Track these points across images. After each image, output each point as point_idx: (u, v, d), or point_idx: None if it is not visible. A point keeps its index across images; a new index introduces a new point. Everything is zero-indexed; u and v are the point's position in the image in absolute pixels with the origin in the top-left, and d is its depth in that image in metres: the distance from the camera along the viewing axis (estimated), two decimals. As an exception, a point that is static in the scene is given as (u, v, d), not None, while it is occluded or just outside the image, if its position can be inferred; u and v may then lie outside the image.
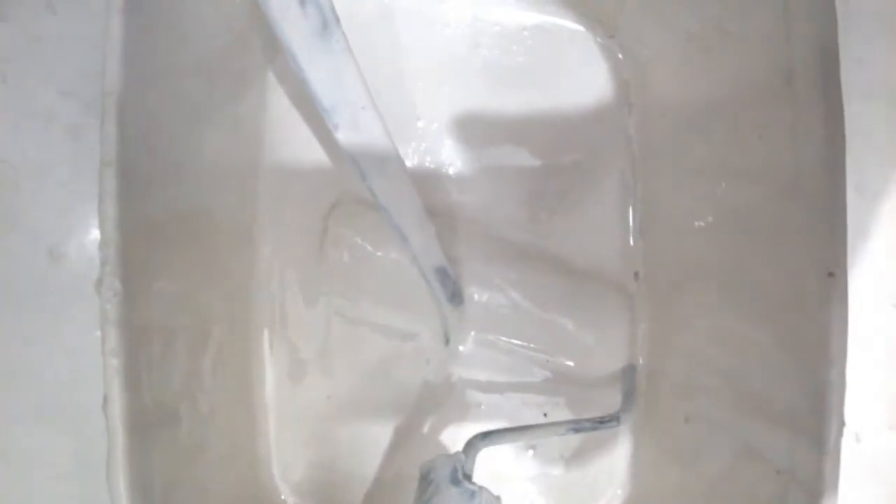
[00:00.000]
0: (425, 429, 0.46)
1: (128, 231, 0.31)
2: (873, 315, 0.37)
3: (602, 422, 0.40)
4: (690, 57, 0.40)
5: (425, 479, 0.34)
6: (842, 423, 0.29)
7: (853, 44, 0.33)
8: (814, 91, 0.31)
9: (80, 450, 0.44)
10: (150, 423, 0.31)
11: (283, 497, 0.45)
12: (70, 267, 0.44)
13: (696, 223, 0.40)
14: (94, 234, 0.45)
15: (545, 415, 0.45)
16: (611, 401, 0.44)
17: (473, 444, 0.36)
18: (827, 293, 0.29)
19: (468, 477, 0.34)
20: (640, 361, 0.45)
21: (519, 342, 0.45)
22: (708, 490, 0.38)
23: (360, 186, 0.44)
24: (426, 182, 0.46)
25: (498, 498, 0.34)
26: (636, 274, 0.45)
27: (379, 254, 0.45)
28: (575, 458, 0.46)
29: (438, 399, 0.46)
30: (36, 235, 0.44)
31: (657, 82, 0.44)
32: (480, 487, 0.33)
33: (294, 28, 0.31)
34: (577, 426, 0.40)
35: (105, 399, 0.29)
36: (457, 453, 0.35)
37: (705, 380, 0.39)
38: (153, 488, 0.31)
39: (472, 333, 0.45)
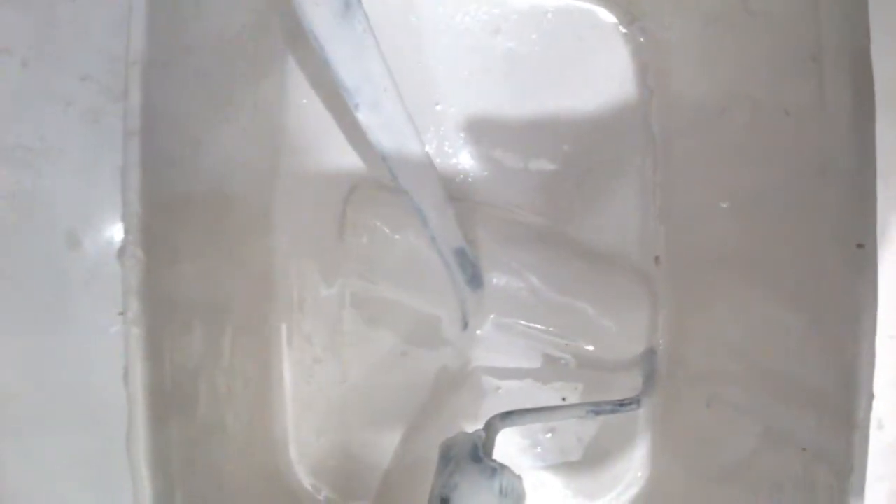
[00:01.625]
0: (443, 413, 0.45)
1: (149, 204, 0.31)
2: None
3: (622, 404, 0.40)
4: (714, 38, 0.40)
5: (445, 457, 0.34)
6: (871, 398, 0.29)
7: (884, 20, 0.32)
8: (842, 68, 0.31)
9: (96, 435, 0.44)
10: (169, 397, 0.31)
11: (299, 479, 0.45)
12: (87, 253, 0.44)
13: (720, 205, 0.40)
14: (111, 220, 0.45)
15: (564, 399, 0.45)
16: (630, 385, 0.44)
17: (493, 424, 0.36)
18: (856, 265, 0.29)
19: (489, 455, 0.34)
20: (661, 345, 0.44)
21: (538, 326, 0.45)
22: (730, 473, 0.37)
23: (379, 170, 0.44)
24: (445, 165, 0.46)
25: (519, 477, 0.33)
26: (657, 258, 0.45)
27: (398, 237, 0.44)
28: (594, 442, 0.45)
29: (456, 383, 0.46)
30: (54, 220, 0.44)
31: (680, 65, 0.43)
32: (501, 465, 0.33)
33: (316, 8, 0.31)
34: (597, 408, 0.39)
35: (125, 370, 0.29)
36: (477, 431, 0.35)
37: (727, 362, 0.39)
38: (172, 462, 0.31)
39: (491, 317, 0.45)
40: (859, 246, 0.29)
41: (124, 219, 0.30)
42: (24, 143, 0.44)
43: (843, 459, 0.29)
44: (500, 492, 0.32)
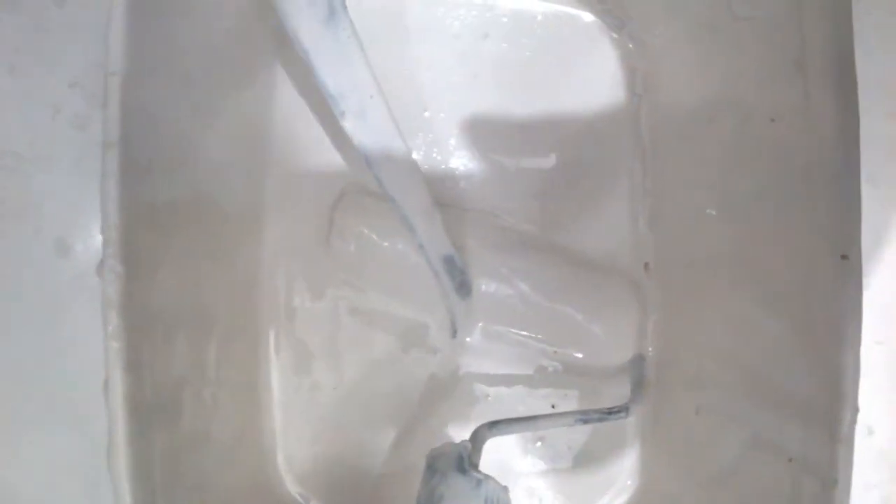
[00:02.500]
0: (432, 421, 0.45)
1: (130, 215, 0.30)
2: (887, 304, 0.37)
3: (611, 412, 0.40)
4: (701, 43, 0.40)
5: (431, 468, 0.34)
6: (856, 409, 0.29)
7: (867, 24, 0.32)
8: (826, 74, 0.30)
9: (84, 443, 0.44)
10: (151, 409, 0.31)
11: (288, 488, 0.45)
12: (75, 260, 0.44)
13: (707, 212, 0.40)
14: (99, 226, 0.45)
15: (553, 406, 0.45)
16: (620, 392, 0.43)
17: (480, 434, 0.36)
18: (840, 276, 0.29)
19: (474, 465, 0.33)
20: (650, 352, 0.44)
21: (527, 334, 0.45)
22: (718, 480, 0.37)
23: (366, 176, 0.44)
24: (433, 172, 0.46)
25: (505, 488, 0.33)
26: (646, 265, 0.45)
27: (386, 244, 0.44)
28: (583, 450, 0.45)
29: (445, 391, 0.45)
30: (42, 227, 0.44)
31: (667, 71, 0.43)
32: (486, 476, 0.33)
33: (300, 14, 0.31)
34: (585, 417, 0.39)
35: (105, 383, 0.29)
36: (463, 442, 0.35)
37: (716, 370, 0.39)
38: (155, 474, 0.31)
39: (480, 325, 0.45)
40: (843, 257, 0.29)
41: (103, 231, 0.29)
42: (13, 149, 0.44)
43: (828, 470, 0.29)
44: (486, 503, 0.32)
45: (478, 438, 0.35)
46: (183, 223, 0.36)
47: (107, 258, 0.29)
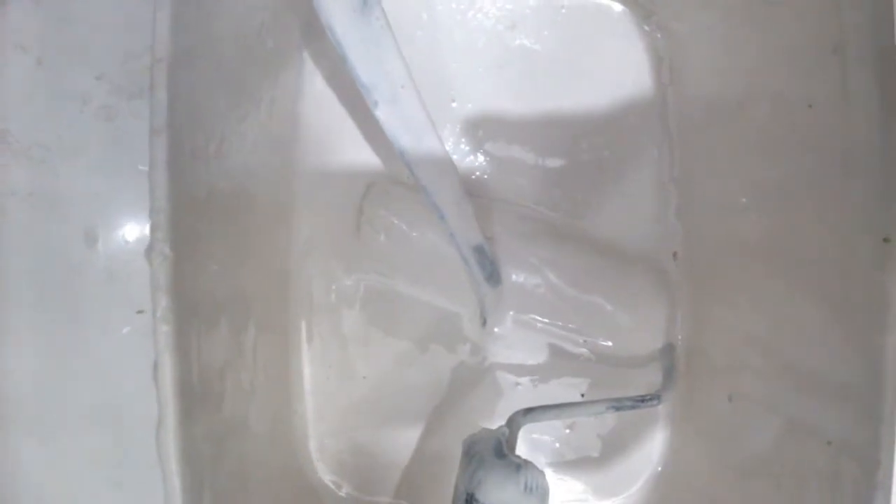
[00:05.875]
0: (462, 410, 0.45)
1: (176, 202, 0.31)
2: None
3: (643, 400, 0.40)
4: (732, 30, 0.40)
5: (468, 454, 0.34)
6: (899, 390, 0.29)
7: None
8: (866, 58, 0.30)
9: (117, 436, 0.44)
10: (196, 393, 0.31)
11: (320, 475, 0.45)
12: (105, 252, 0.44)
13: (740, 199, 0.40)
14: (129, 218, 0.45)
15: (582, 395, 0.45)
16: (648, 381, 0.44)
17: (515, 420, 0.36)
18: (882, 259, 0.29)
19: (512, 451, 0.34)
20: (680, 340, 0.44)
21: (556, 323, 0.45)
22: (753, 467, 0.37)
23: (396, 166, 0.44)
24: (461, 162, 0.46)
25: (543, 473, 0.33)
26: (675, 254, 0.45)
27: (415, 234, 0.44)
28: (613, 439, 0.45)
29: (475, 380, 0.46)
30: (71, 218, 0.44)
31: (696, 59, 0.43)
32: (525, 461, 0.33)
33: (334, 4, 0.31)
34: (618, 404, 0.39)
35: (155, 366, 0.29)
36: (500, 427, 0.35)
37: (749, 356, 0.39)
38: (199, 458, 0.31)
39: (510, 314, 0.45)
40: (885, 240, 0.29)
41: (152, 216, 0.30)
42: (41, 141, 0.44)
43: (869, 453, 0.29)
44: (525, 487, 0.32)
45: (514, 424, 0.35)
46: (220, 213, 0.37)
47: (155, 242, 0.29)
